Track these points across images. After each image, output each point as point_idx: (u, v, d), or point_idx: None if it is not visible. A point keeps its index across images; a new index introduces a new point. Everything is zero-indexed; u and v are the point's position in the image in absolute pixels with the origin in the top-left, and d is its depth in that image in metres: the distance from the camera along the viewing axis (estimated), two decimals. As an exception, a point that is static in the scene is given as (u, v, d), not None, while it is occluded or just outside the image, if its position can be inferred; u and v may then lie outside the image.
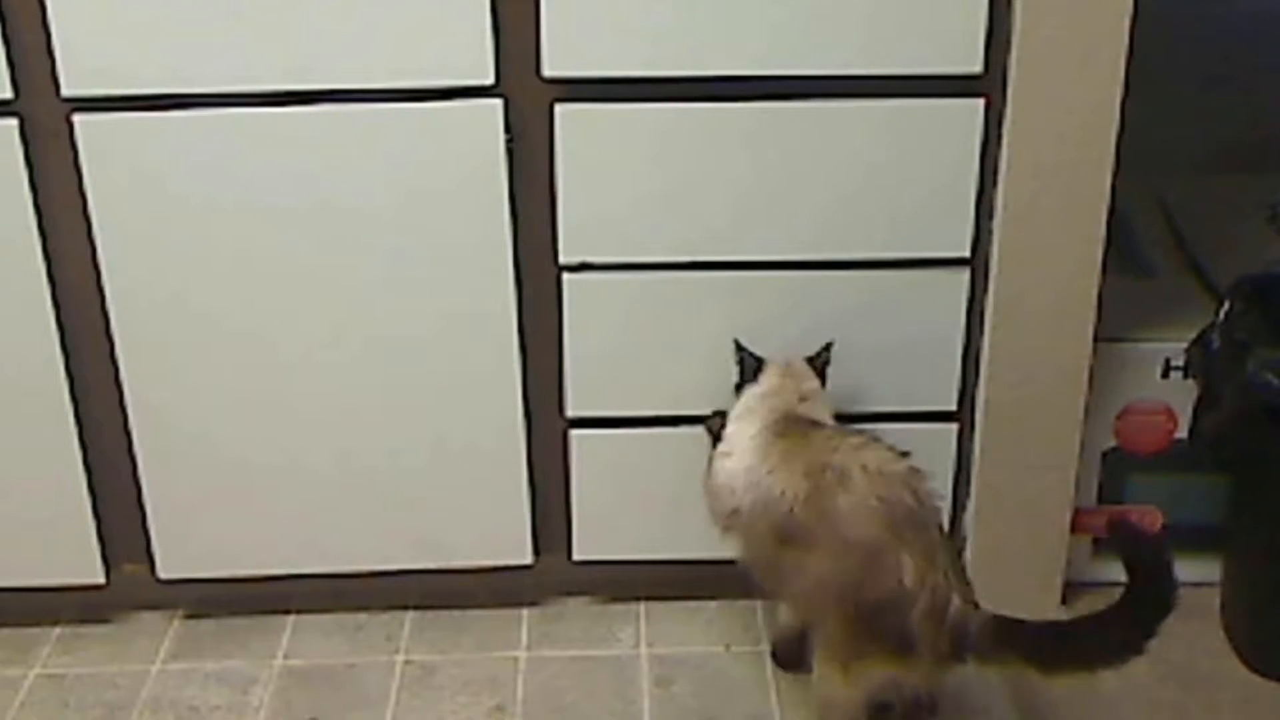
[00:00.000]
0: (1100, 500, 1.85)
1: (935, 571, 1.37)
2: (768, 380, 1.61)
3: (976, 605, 1.39)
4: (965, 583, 1.40)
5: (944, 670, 1.42)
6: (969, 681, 1.72)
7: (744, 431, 1.57)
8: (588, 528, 1.80)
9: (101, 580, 1.80)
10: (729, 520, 1.56)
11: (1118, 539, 1.40)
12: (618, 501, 1.79)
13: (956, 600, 1.37)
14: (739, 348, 1.63)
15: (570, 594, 1.89)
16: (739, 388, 1.63)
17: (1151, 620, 1.33)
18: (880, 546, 1.38)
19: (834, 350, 1.64)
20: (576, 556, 1.82)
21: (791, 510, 1.45)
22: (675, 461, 1.74)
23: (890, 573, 1.37)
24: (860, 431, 1.52)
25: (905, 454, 1.46)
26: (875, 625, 1.40)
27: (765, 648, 1.80)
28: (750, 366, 1.62)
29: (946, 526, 1.43)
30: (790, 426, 1.55)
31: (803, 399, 1.59)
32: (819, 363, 1.63)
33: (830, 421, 1.59)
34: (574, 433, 1.76)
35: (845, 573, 1.41)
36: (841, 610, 1.43)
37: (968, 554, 1.81)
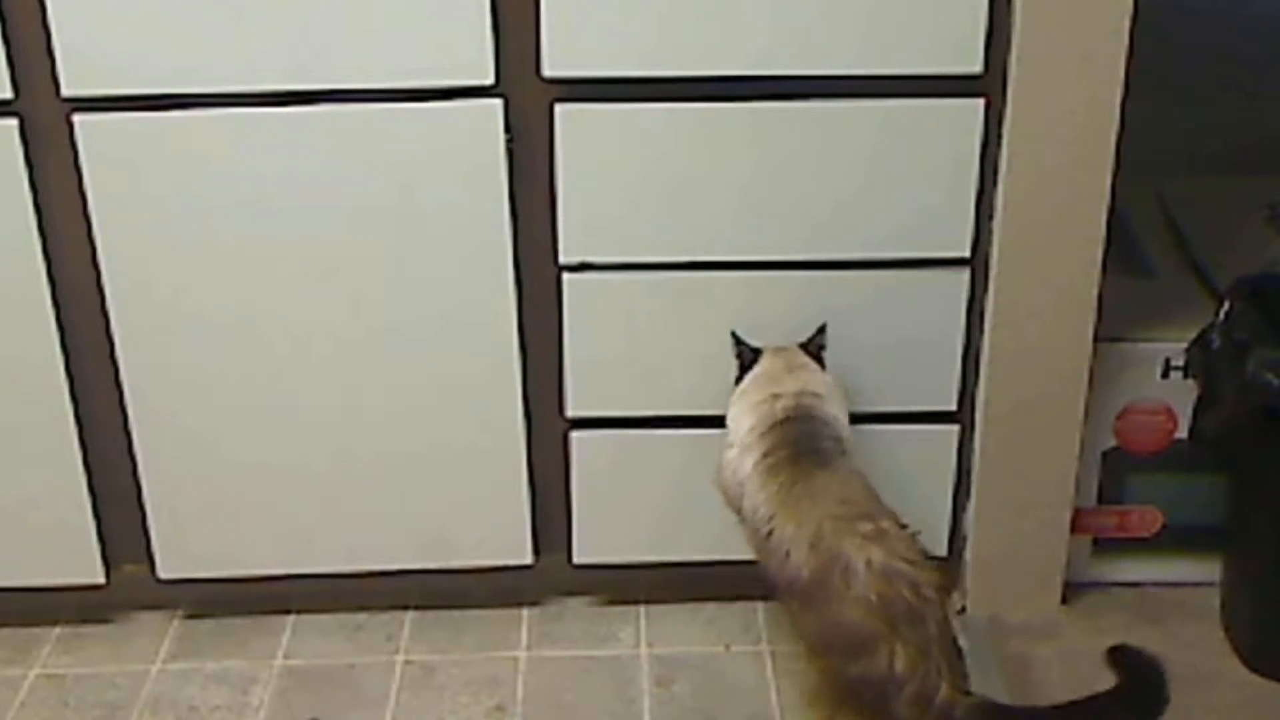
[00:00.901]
0: (1100, 500, 1.85)
1: (927, 662, 1.38)
2: (761, 364, 1.63)
3: (968, 691, 1.41)
4: (958, 669, 1.41)
5: None
6: (970, 679, 1.72)
7: (741, 423, 1.59)
8: (588, 528, 1.80)
9: (101, 580, 1.80)
10: (738, 514, 1.57)
11: (1117, 662, 1.43)
12: (618, 502, 1.79)
13: (945, 688, 1.38)
14: (737, 340, 1.64)
15: (570, 594, 1.89)
16: (739, 381, 1.63)
17: None
18: (875, 637, 1.38)
19: (834, 351, 1.64)
20: (576, 557, 1.82)
21: (797, 577, 1.45)
22: (675, 462, 1.74)
23: (882, 661, 1.38)
24: (868, 514, 1.47)
25: (914, 535, 1.45)
26: (861, 700, 1.41)
27: (765, 648, 1.80)
28: (748, 358, 1.64)
29: (946, 616, 1.42)
30: (784, 439, 1.54)
31: (789, 369, 1.60)
32: (813, 346, 1.64)
33: (837, 415, 1.59)
34: (574, 433, 1.75)
35: (838, 650, 1.42)
36: (830, 675, 1.44)
37: (968, 554, 1.81)
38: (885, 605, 1.39)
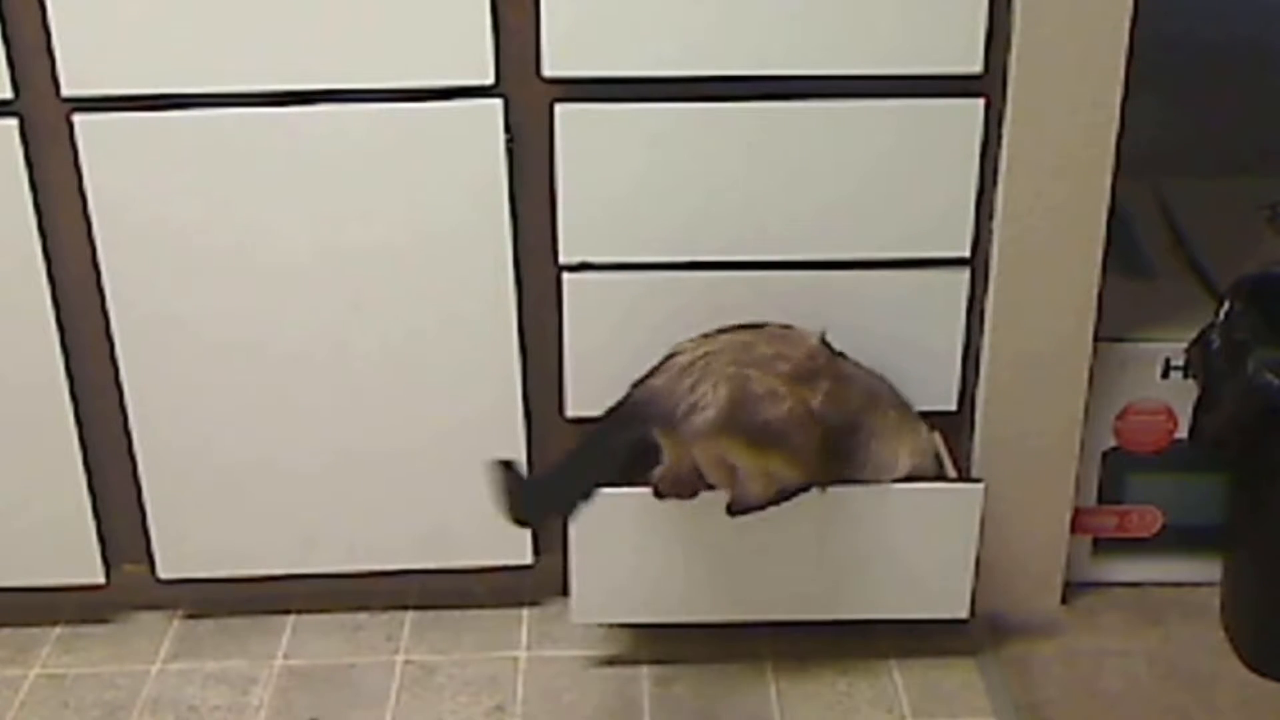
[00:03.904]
0: (1100, 500, 1.85)
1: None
2: None
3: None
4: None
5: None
6: (968, 679, 1.73)
7: None
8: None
9: (101, 580, 1.80)
10: None
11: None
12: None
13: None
14: None
15: (570, 594, 1.89)
16: None
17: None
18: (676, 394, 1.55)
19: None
20: (576, 556, 1.82)
21: None
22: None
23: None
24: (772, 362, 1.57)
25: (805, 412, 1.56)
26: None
27: (765, 648, 1.79)
28: None
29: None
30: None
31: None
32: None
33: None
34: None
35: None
36: None
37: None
38: (684, 380, 1.55)
